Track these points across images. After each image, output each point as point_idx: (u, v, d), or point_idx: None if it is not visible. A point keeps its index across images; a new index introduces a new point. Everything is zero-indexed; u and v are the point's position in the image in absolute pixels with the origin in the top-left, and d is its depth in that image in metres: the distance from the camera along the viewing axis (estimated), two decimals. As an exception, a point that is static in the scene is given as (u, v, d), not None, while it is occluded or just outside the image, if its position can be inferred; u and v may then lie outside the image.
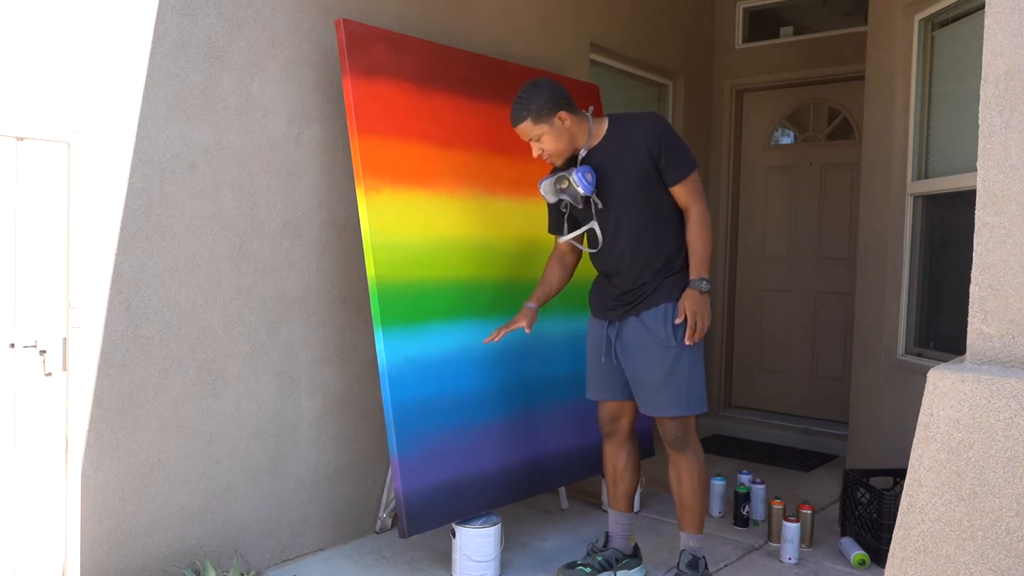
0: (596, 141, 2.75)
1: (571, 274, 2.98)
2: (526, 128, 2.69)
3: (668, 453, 2.82)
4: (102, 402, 2.50)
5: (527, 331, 2.89)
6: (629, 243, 2.73)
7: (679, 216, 2.76)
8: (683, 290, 2.71)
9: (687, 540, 2.83)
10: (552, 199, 2.80)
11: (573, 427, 3.45)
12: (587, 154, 2.74)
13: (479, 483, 3.03)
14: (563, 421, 3.42)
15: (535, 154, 2.73)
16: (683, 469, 2.78)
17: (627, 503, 2.98)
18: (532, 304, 2.90)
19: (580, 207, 2.79)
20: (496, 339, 2.85)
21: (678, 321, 2.66)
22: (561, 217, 2.91)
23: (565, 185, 2.73)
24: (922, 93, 3.79)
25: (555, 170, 2.83)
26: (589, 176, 2.68)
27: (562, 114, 2.67)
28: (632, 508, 2.99)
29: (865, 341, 4.11)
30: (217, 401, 2.80)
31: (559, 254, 2.96)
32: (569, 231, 2.89)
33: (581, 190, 2.68)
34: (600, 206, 2.75)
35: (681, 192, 2.71)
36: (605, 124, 2.76)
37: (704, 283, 2.68)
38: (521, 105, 2.67)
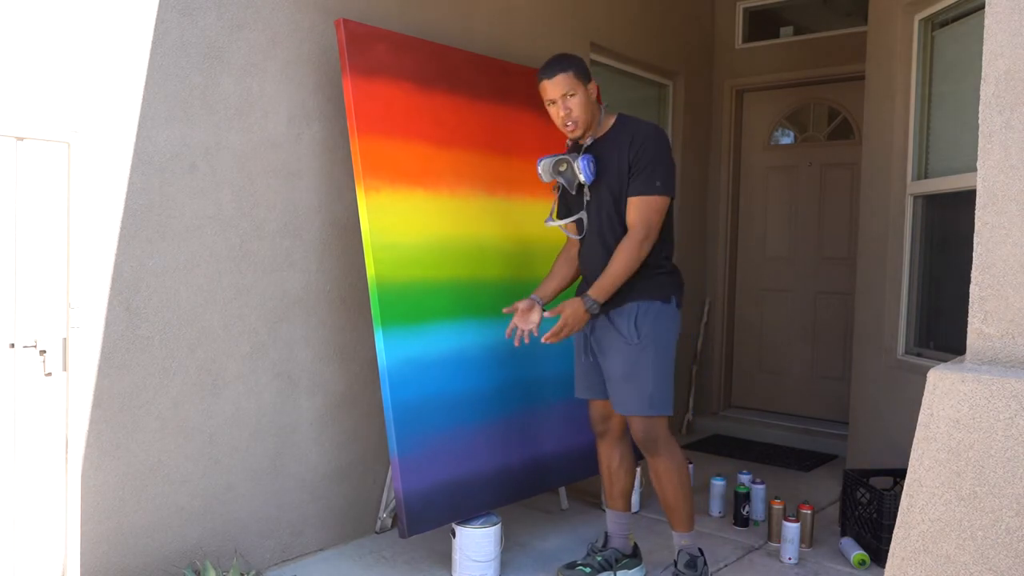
0: (601, 134, 2.77)
1: (577, 269, 2.95)
2: (564, 80, 2.64)
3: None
4: (102, 402, 2.50)
5: (522, 310, 2.77)
6: (604, 239, 2.75)
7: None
8: (652, 291, 2.70)
9: (679, 539, 2.83)
10: (546, 178, 2.83)
11: (573, 427, 3.45)
12: (591, 144, 2.77)
13: (479, 483, 3.03)
14: (563, 421, 3.42)
15: (561, 114, 2.68)
16: (660, 471, 2.77)
17: (624, 502, 2.98)
18: (535, 296, 2.85)
19: (573, 193, 2.82)
20: (525, 334, 2.76)
21: (547, 314, 2.66)
22: (551, 203, 2.92)
23: (563, 168, 2.76)
24: (922, 93, 3.79)
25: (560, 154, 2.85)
26: (592, 166, 2.71)
27: (592, 85, 2.71)
28: (629, 507, 2.99)
29: (865, 341, 4.11)
30: (217, 401, 2.80)
31: (567, 247, 2.97)
32: (559, 218, 2.91)
33: (582, 177, 2.70)
34: (589, 198, 2.78)
35: (632, 208, 2.66)
36: (612, 121, 2.79)
37: (595, 305, 2.63)
38: (563, 60, 2.66)
